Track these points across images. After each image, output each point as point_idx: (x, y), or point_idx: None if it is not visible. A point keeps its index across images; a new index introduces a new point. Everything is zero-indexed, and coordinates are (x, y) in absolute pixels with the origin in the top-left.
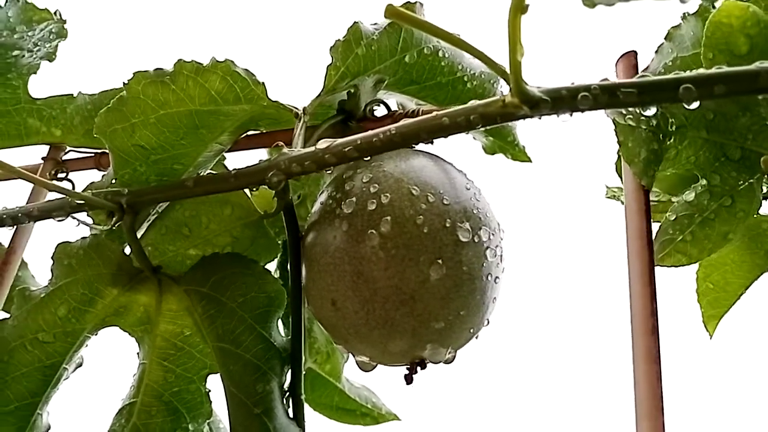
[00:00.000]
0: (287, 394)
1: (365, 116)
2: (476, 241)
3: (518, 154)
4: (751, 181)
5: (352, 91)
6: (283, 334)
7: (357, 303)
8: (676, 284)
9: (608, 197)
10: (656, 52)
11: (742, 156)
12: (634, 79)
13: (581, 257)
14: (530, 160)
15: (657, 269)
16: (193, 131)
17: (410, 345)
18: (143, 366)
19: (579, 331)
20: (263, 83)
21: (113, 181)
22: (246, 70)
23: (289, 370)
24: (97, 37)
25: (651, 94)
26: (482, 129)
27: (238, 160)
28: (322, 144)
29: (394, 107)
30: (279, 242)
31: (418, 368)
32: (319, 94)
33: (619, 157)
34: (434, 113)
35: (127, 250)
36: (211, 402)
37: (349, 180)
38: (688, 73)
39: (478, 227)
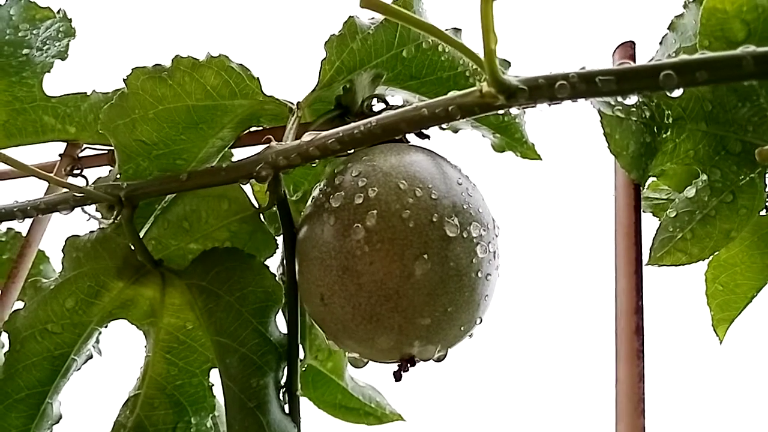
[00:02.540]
0: (283, 389)
1: (363, 111)
2: (465, 236)
3: (527, 151)
4: (753, 175)
5: (348, 86)
6: (282, 330)
7: (343, 298)
8: (666, 282)
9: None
10: (660, 43)
11: (742, 149)
12: (613, 67)
13: (569, 254)
14: (540, 158)
15: (648, 267)
16: (193, 127)
17: (397, 341)
18: (148, 359)
19: (564, 328)
20: (258, 78)
21: (118, 176)
22: (241, 65)
23: (285, 366)
24: (110, 35)
25: (630, 81)
26: (489, 126)
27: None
28: (307, 137)
29: (395, 103)
30: (277, 237)
31: (408, 365)
32: (314, 89)
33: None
34: (414, 105)
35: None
36: (214, 396)
37: (339, 174)
38: (668, 60)
39: (468, 222)
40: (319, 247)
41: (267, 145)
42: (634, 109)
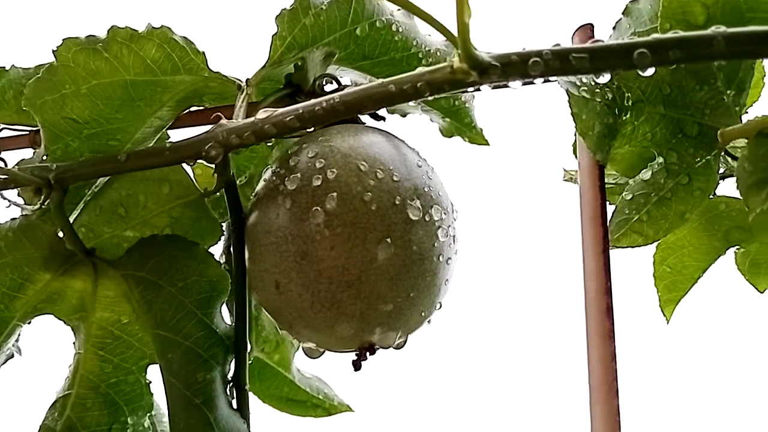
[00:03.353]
0: (230, 384)
1: (314, 91)
2: (427, 220)
3: (475, 137)
4: (708, 158)
5: (300, 63)
6: (228, 322)
7: (301, 285)
8: (632, 263)
9: (566, 180)
10: (614, 28)
11: (699, 132)
12: (587, 45)
13: (535, 236)
14: (488, 143)
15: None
16: (129, 104)
17: (358, 329)
18: (78, 356)
19: (533, 312)
20: (203, 53)
21: (44, 157)
22: (185, 38)
23: (233, 359)
24: (33, 8)
25: (604, 60)
26: (439, 111)
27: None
28: (262, 114)
29: (346, 84)
30: (222, 224)
31: (368, 354)
32: (264, 66)
33: (576, 138)
34: (380, 81)
35: (61, 233)
36: (152, 394)
37: (294, 155)
38: (642, 38)
39: (429, 206)
40: (274, 232)
41: (215, 124)
42: (597, 90)
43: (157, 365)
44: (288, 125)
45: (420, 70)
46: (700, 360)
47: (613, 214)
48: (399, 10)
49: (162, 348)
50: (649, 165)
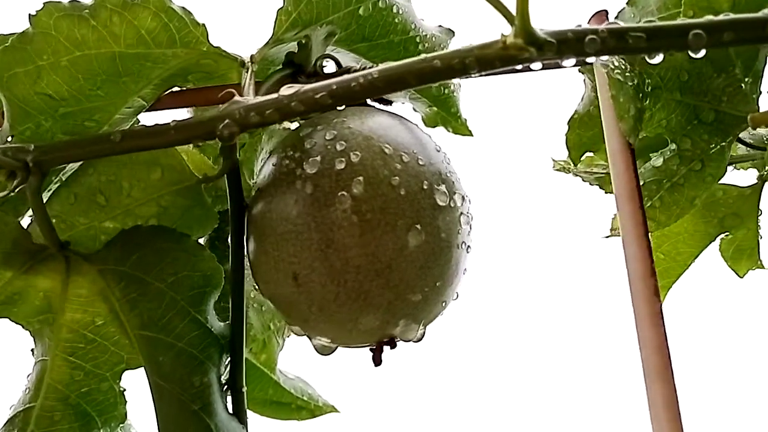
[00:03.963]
0: (225, 386)
1: (316, 72)
2: (452, 206)
3: (460, 126)
4: (723, 144)
5: (304, 41)
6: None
7: (325, 275)
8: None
9: (556, 170)
10: (616, 17)
11: (715, 119)
12: (643, 24)
13: (573, 225)
14: (471, 134)
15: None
16: (114, 80)
17: (383, 321)
18: (43, 364)
19: (576, 303)
20: (203, 25)
21: (9, 138)
22: (183, 8)
23: (228, 359)
24: None
25: (660, 39)
26: (428, 99)
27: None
28: (287, 90)
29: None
30: (216, 212)
31: (387, 348)
32: (268, 42)
33: (569, 129)
34: (423, 56)
35: (25, 223)
36: (126, 402)
37: (308, 138)
38: (698, 20)
39: (452, 191)
40: (293, 219)
41: (228, 101)
42: (628, 74)
43: (132, 370)
44: (318, 102)
45: (468, 44)
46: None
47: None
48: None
49: (150, 351)
50: (660, 152)
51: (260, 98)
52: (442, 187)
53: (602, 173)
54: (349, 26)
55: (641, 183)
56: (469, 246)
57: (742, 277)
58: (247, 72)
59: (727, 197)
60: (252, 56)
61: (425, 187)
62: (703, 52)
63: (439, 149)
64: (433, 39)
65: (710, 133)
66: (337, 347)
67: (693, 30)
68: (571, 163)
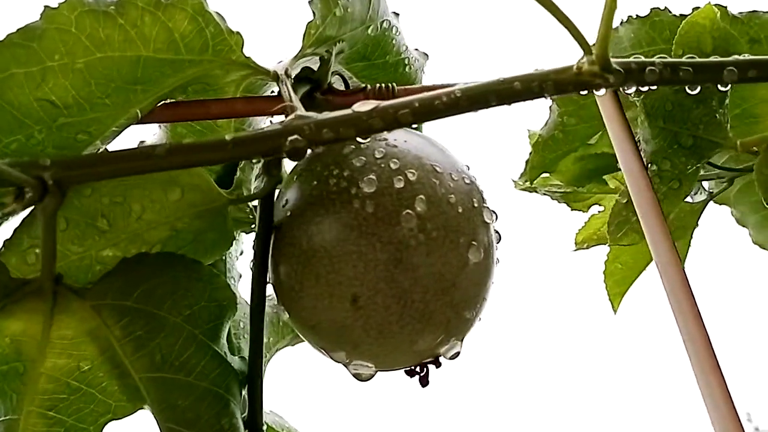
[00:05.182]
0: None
1: (331, 89)
2: (489, 222)
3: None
4: (698, 165)
5: (326, 56)
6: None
7: (391, 296)
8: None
9: (521, 189)
10: None
11: (693, 143)
12: (686, 59)
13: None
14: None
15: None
16: (128, 87)
17: (438, 341)
18: (9, 424)
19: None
20: (239, 33)
21: None
22: (218, 13)
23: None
24: None
25: (703, 73)
26: None
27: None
28: (362, 106)
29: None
30: (234, 238)
31: (433, 367)
32: (297, 55)
33: (534, 151)
34: (504, 77)
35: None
36: None
37: (355, 155)
38: (731, 58)
39: (488, 207)
40: (353, 240)
41: (290, 115)
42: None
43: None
44: (399, 119)
45: (545, 68)
46: None
47: (611, 216)
48: (394, 11)
49: (164, 395)
50: None
51: (331, 114)
52: (486, 204)
53: (560, 192)
54: (356, 44)
55: (626, 200)
56: (498, 260)
57: None
58: (284, 85)
59: (680, 212)
60: (287, 70)
61: (476, 204)
62: (728, 87)
63: (468, 167)
64: (416, 62)
65: (687, 156)
66: (375, 372)
67: (728, 67)
68: (528, 182)
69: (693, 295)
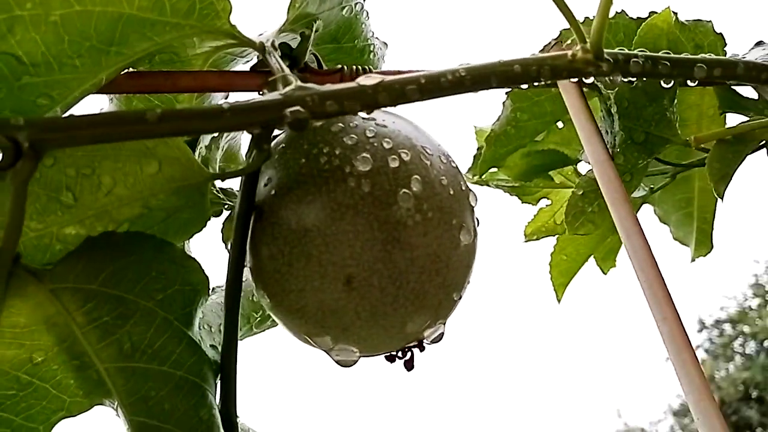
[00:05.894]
0: None
1: (307, 67)
2: (474, 205)
3: None
4: (648, 160)
5: (306, 33)
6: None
7: (387, 277)
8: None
9: (474, 183)
10: None
11: (645, 140)
12: (669, 54)
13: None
14: None
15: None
16: (102, 48)
17: (427, 323)
18: None
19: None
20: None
21: None
22: None
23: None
24: None
25: (678, 68)
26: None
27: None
28: (367, 80)
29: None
30: (209, 218)
31: (417, 351)
32: (280, 28)
33: (487, 146)
34: (503, 59)
35: None
36: None
37: (345, 134)
38: (701, 56)
39: (472, 191)
40: (349, 219)
41: (295, 86)
42: (601, 96)
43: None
44: (405, 95)
45: (542, 54)
46: None
47: (567, 207)
48: None
49: (134, 387)
50: None
51: (335, 86)
52: (470, 188)
53: (507, 185)
54: (329, 25)
55: (581, 192)
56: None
57: (606, 274)
58: (272, 57)
59: None
60: (273, 42)
61: (463, 187)
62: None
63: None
64: (380, 50)
65: (639, 152)
66: (359, 357)
67: (698, 63)
68: (477, 176)
69: (663, 277)
